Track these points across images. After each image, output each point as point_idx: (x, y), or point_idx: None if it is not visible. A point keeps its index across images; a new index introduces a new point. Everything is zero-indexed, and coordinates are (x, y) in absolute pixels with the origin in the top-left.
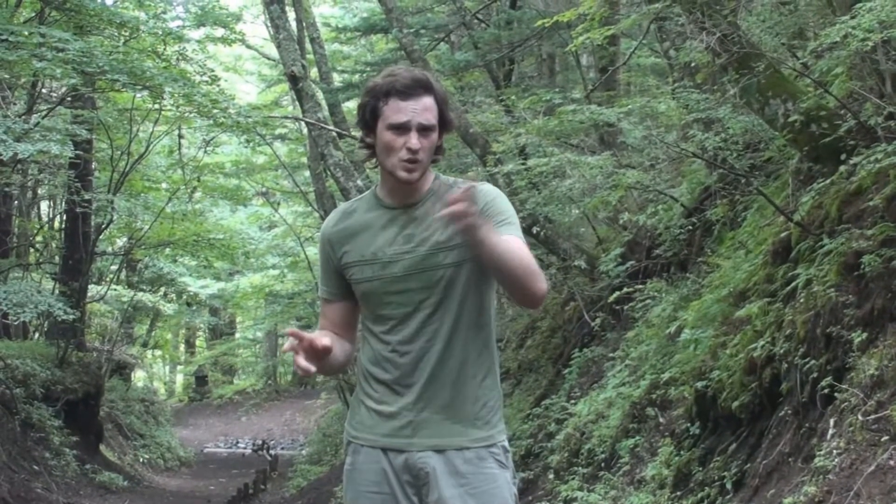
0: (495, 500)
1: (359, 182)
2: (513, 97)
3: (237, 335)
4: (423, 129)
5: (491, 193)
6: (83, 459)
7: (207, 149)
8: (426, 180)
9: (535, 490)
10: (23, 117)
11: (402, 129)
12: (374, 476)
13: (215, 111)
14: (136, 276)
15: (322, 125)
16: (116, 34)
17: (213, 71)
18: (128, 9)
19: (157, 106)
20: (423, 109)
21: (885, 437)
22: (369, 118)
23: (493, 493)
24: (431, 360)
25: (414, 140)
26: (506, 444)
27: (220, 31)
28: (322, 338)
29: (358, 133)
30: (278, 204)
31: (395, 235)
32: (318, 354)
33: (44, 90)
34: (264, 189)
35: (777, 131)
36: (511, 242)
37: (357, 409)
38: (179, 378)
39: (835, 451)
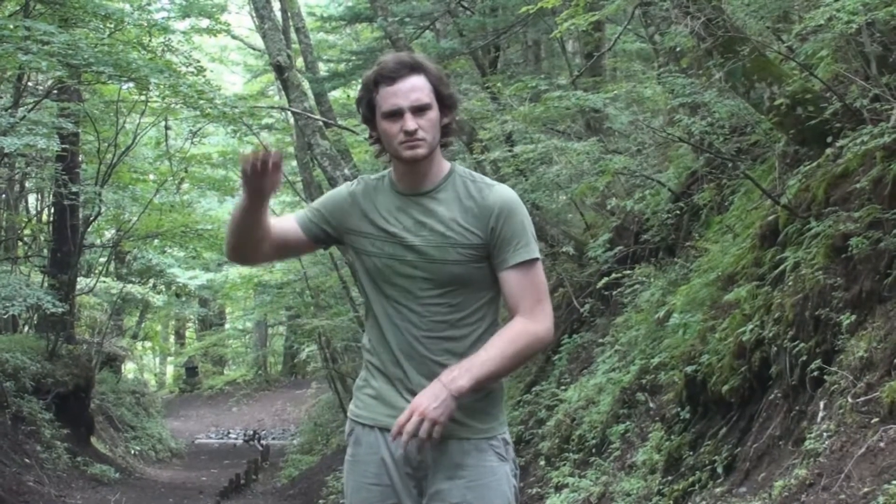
0: (493, 494)
1: (346, 171)
2: (499, 84)
3: (227, 326)
4: (417, 110)
5: (504, 210)
6: (74, 452)
7: (194, 140)
8: (439, 167)
9: (526, 477)
10: (9, 111)
11: (395, 115)
12: (374, 468)
13: (201, 102)
14: (124, 267)
15: (308, 115)
16: (101, 26)
17: (198, 62)
18: (112, 0)
19: (143, 97)
20: (410, 90)
21: (875, 419)
22: (367, 112)
23: (492, 487)
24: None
25: (409, 122)
26: (507, 436)
27: (205, 22)
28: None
29: (344, 122)
30: None
31: (408, 221)
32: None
33: (29, 83)
34: None
35: (763, 115)
36: (492, 350)
37: (361, 390)
38: (170, 369)
39: (825, 434)
